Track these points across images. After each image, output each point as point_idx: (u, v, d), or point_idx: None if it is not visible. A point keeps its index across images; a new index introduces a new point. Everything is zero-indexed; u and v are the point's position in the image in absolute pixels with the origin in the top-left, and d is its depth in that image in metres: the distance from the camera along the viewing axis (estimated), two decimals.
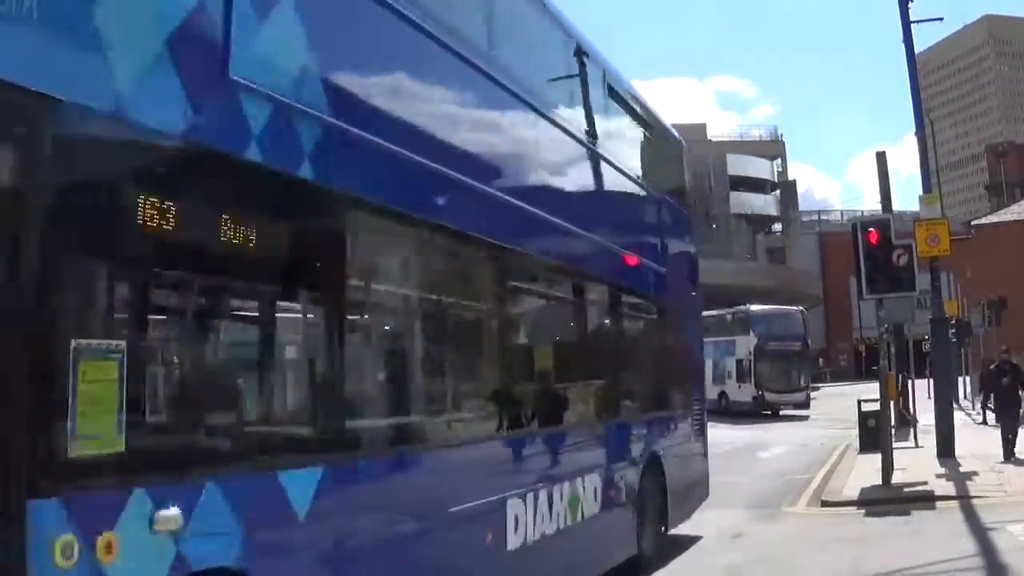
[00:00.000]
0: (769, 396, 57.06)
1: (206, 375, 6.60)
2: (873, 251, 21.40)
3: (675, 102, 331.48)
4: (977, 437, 30.07)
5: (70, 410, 4.95)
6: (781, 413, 55.34)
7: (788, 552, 15.50)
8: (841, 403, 45.98)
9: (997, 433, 26.16)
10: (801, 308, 65.39)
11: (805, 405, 57.40)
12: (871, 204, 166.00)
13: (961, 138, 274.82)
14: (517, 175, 11.23)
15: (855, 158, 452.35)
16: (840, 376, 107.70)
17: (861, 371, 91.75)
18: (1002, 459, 24.52)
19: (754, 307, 62.85)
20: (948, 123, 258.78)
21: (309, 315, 7.62)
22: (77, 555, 4.90)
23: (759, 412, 55.19)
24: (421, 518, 8.53)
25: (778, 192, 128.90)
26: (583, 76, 13.52)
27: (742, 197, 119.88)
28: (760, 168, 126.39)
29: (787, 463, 28.84)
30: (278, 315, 7.31)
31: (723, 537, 17.07)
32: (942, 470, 23.51)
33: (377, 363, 8.77)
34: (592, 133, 13.71)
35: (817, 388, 78.88)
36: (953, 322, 41.56)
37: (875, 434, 24.77)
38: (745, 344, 58.58)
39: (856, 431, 29.32)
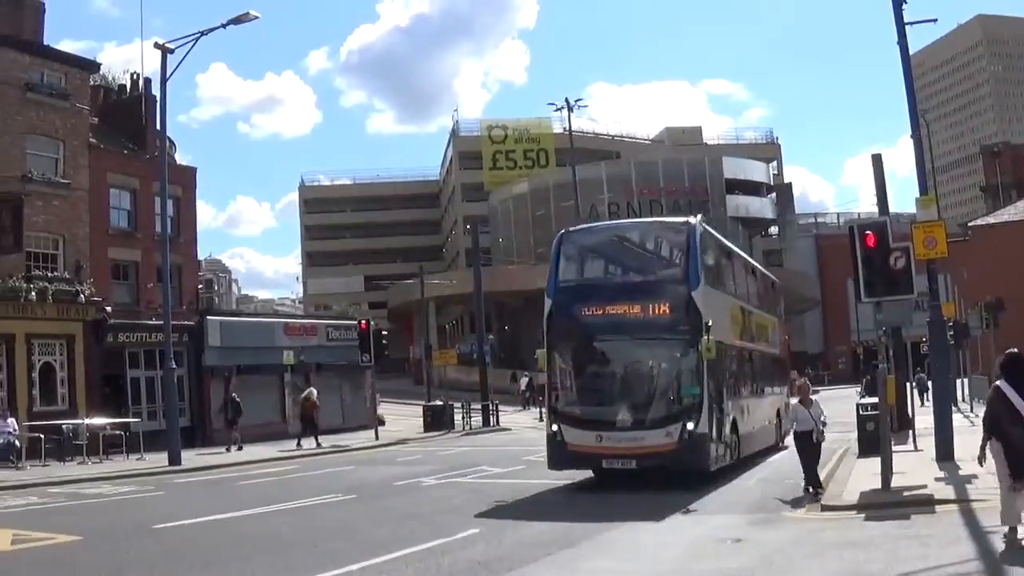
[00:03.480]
0: (571, 437, 26.45)
1: None
2: (870, 254, 21.41)
3: (669, 106, 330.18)
4: (976, 440, 29.97)
5: None
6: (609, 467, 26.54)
7: (788, 557, 15.52)
8: (839, 407, 45.75)
9: None
10: (691, 219, 28.73)
11: (697, 464, 25.58)
12: (867, 206, 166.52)
13: (956, 139, 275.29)
14: None
15: (850, 160, 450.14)
16: (839, 380, 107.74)
17: (860, 374, 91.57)
18: None
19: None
20: (943, 124, 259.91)
21: None
22: None
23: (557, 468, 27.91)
24: None
25: (774, 195, 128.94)
26: None
27: (738, 200, 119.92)
28: (756, 171, 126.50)
29: (786, 467, 28.72)
30: None
31: (723, 543, 17.16)
32: (941, 473, 23.48)
33: None
34: None
35: (816, 392, 78.69)
36: (951, 324, 41.45)
37: (874, 437, 24.79)
38: None
39: (855, 434, 29.40)
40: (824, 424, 24.16)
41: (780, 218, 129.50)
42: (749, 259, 38.94)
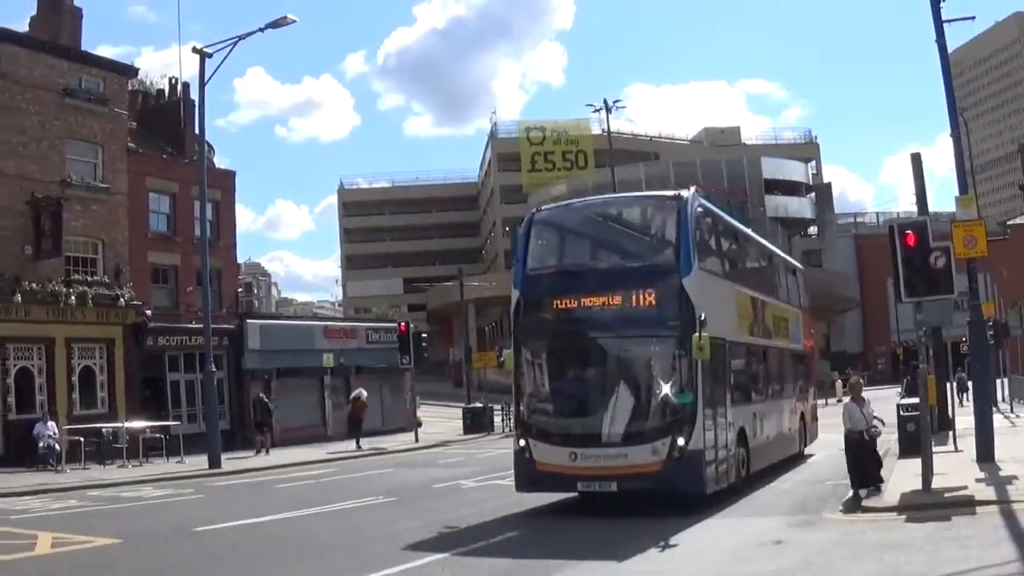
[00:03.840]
0: (540, 454, 22.53)
1: None
2: (911, 254, 21.34)
3: (707, 106, 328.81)
4: (1017, 440, 29.86)
5: None
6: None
7: (829, 559, 15.48)
8: (880, 407, 45.11)
9: None
10: (683, 192, 24.21)
11: (689, 486, 21.77)
12: (906, 206, 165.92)
13: (995, 137, 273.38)
14: None
15: (889, 159, 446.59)
16: (879, 380, 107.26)
17: (899, 375, 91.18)
18: None
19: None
20: (981, 122, 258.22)
21: None
22: None
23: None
24: None
25: (813, 194, 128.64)
26: None
27: (777, 200, 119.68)
28: (795, 171, 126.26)
29: (827, 468, 28.69)
30: None
31: (763, 545, 17.10)
32: (982, 474, 23.34)
33: None
34: None
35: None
36: (991, 324, 41.18)
37: (915, 438, 24.69)
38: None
39: (895, 435, 29.26)
40: (882, 423, 23.52)
41: (819, 218, 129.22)
42: (762, 241, 34.13)
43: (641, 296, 22.42)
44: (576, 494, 23.24)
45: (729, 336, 24.67)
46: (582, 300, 23.03)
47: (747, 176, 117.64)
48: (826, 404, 61.28)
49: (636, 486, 21.60)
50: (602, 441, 21.88)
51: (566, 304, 23.18)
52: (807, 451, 34.31)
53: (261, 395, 49.54)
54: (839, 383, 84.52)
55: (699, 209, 23.88)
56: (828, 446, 34.49)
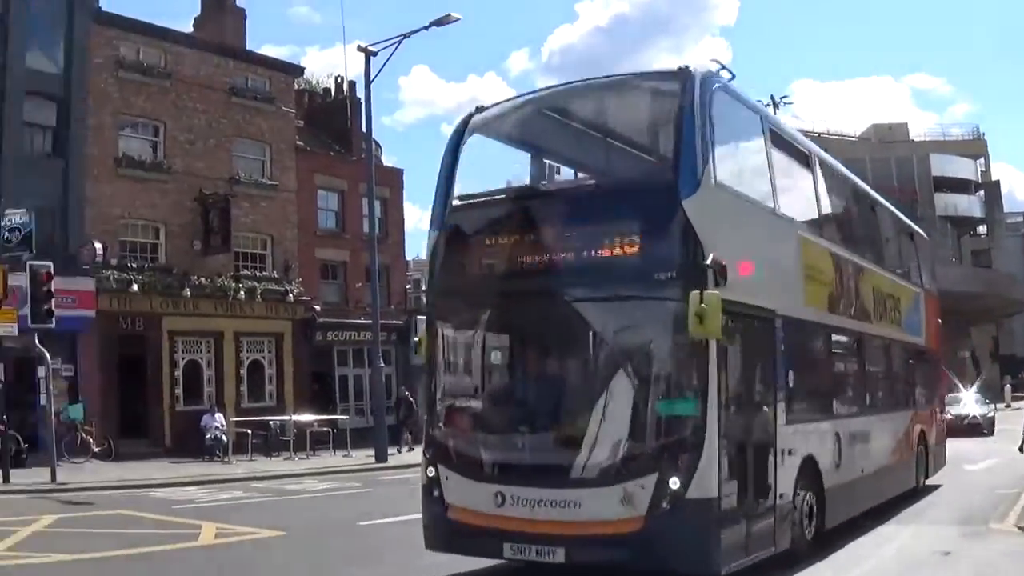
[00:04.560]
0: (454, 493, 13.68)
1: None
2: None
3: (873, 102, 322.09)
4: None
5: None
6: None
7: (1001, 572, 15.20)
8: None
9: None
10: (692, 66, 13.64)
11: (685, 562, 12.16)
12: None
13: None
14: None
15: None
16: None
17: None
18: None
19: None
20: None
21: None
22: None
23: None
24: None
25: (982, 193, 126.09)
26: None
27: (945, 198, 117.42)
28: (963, 168, 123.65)
29: (996, 477, 28.07)
30: None
31: (933, 555, 16.74)
32: None
33: None
34: None
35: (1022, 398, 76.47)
36: None
37: None
38: None
39: None
40: None
41: (988, 217, 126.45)
42: (850, 174, 21.89)
43: (615, 232, 13.14)
44: None
45: (782, 308, 14.97)
46: (525, 239, 14.13)
47: (916, 175, 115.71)
48: (996, 410, 60.18)
49: (597, 558, 12.64)
50: (543, 478, 13.14)
51: (502, 244, 14.41)
52: (931, 482, 25.97)
53: (406, 393, 49.58)
54: (1008, 388, 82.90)
55: (715, 95, 13.87)
56: (998, 453, 33.99)
